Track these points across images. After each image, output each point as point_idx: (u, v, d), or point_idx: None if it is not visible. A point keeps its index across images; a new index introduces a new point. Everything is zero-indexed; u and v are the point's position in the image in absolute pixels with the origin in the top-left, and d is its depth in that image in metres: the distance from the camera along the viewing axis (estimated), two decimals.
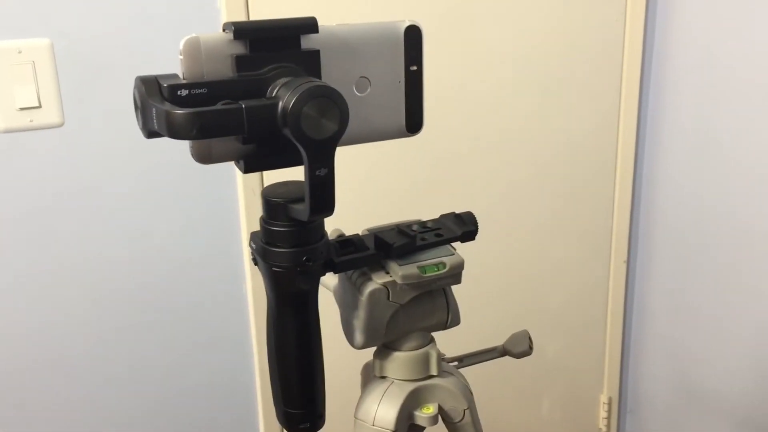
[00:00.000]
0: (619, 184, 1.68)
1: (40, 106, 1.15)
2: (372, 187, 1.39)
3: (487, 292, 1.56)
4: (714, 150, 1.52)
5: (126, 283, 1.29)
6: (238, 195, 1.33)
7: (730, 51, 1.45)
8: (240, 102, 0.49)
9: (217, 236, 1.34)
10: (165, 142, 1.26)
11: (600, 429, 1.87)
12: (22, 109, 1.13)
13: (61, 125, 1.17)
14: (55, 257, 1.23)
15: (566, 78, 1.56)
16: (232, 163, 1.34)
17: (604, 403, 1.84)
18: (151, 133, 0.51)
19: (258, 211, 1.38)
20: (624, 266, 1.74)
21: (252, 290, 1.37)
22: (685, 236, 1.63)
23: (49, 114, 1.16)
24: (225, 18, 1.23)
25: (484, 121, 1.50)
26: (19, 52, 1.12)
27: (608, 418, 1.85)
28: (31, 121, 1.15)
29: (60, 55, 1.14)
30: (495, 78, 1.49)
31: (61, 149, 1.19)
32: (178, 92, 0.50)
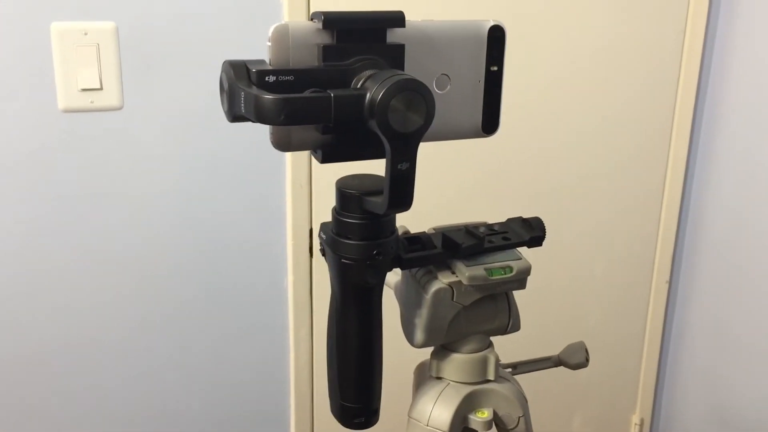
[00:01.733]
0: (667, 203, 1.66)
1: (101, 89, 1.16)
2: (432, 187, 1.39)
3: (525, 304, 1.54)
4: (764, 176, 1.49)
5: (168, 271, 1.30)
6: (286, 189, 1.33)
7: None
8: (328, 91, 0.49)
9: (261, 229, 1.35)
10: (219, 131, 1.27)
11: None
12: (83, 90, 1.15)
13: (120, 108, 1.18)
14: (104, 239, 1.24)
15: (621, 93, 1.54)
16: (282, 158, 1.35)
17: (635, 423, 1.82)
18: (235, 117, 0.52)
19: (305, 205, 1.39)
20: (666, 287, 1.72)
21: (293, 284, 1.38)
22: (730, 261, 1.60)
23: (109, 96, 1.17)
24: (288, 9, 1.23)
25: (535, 133, 1.49)
26: (85, 33, 1.13)
27: None
28: (91, 102, 1.16)
29: (124, 40, 1.16)
30: (552, 91, 1.48)
31: (118, 132, 1.20)
32: (266, 78, 0.50)
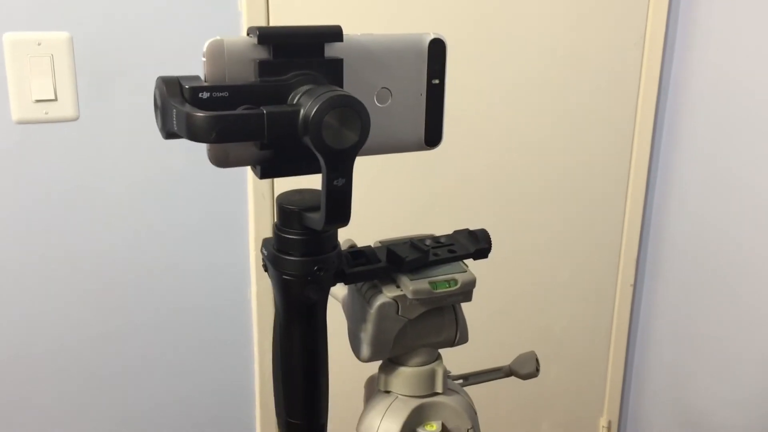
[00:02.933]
0: (630, 207, 1.67)
1: (56, 99, 1.15)
2: (383, 199, 1.39)
3: (489, 311, 1.55)
4: (726, 178, 1.51)
5: (129, 282, 1.28)
6: (248, 199, 1.32)
7: (747, 80, 1.45)
8: (261, 107, 0.49)
9: (224, 240, 1.34)
10: (178, 143, 1.26)
11: None
12: (38, 101, 1.13)
13: (75, 119, 1.17)
14: (59, 252, 1.22)
15: (582, 99, 1.55)
16: (244, 168, 1.34)
17: (603, 426, 1.83)
18: (169, 134, 0.51)
19: (267, 216, 1.38)
20: (630, 290, 1.73)
21: (256, 295, 1.37)
22: (694, 263, 1.62)
23: (64, 107, 1.16)
24: (246, 21, 1.22)
25: (494, 141, 1.50)
26: (39, 44, 1.12)
27: None
28: (46, 113, 1.15)
29: (78, 50, 1.14)
30: (510, 98, 1.48)
31: (74, 144, 1.19)
32: (200, 95, 0.49)
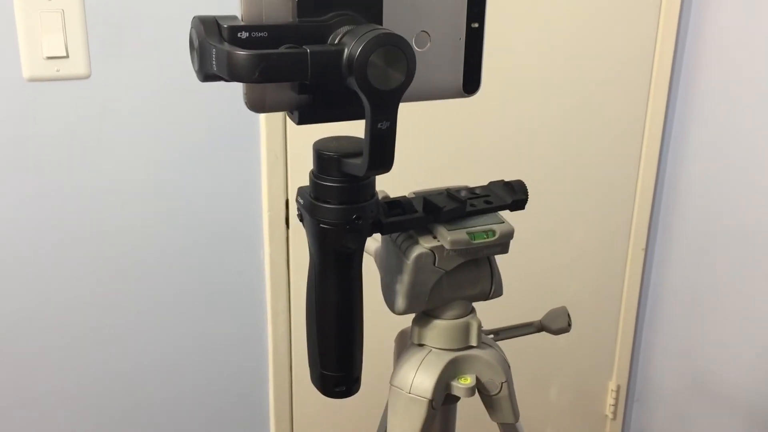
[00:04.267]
0: (642, 171, 1.66)
1: (67, 56, 1.12)
2: (411, 151, 1.37)
3: (502, 271, 1.54)
4: (739, 142, 1.50)
5: (142, 244, 1.27)
6: (261, 160, 1.31)
7: (757, 59, 1.43)
8: (304, 47, 0.47)
9: (237, 200, 1.32)
10: (191, 100, 1.24)
11: (606, 416, 1.86)
12: (49, 58, 1.11)
13: (87, 77, 1.15)
14: (73, 210, 1.21)
15: (601, 62, 1.53)
16: (257, 128, 1.32)
17: (612, 390, 1.83)
18: (207, 76, 0.49)
19: (280, 177, 1.37)
20: (642, 254, 1.73)
21: (269, 256, 1.36)
22: (705, 228, 1.61)
23: (75, 65, 1.13)
24: None
25: (516, 101, 1.48)
26: None
27: (615, 405, 1.84)
28: (57, 71, 1.12)
29: (90, 6, 1.12)
30: (531, 58, 1.46)
31: (86, 101, 1.17)
32: (239, 34, 0.48)
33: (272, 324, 1.40)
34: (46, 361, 1.26)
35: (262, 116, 1.27)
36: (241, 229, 1.34)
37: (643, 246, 1.72)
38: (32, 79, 1.12)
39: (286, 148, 1.31)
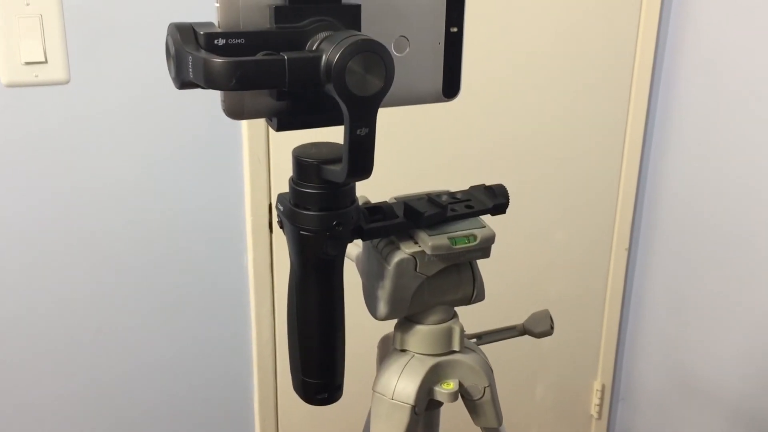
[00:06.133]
0: (625, 171, 1.66)
1: (46, 62, 1.11)
2: (393, 156, 1.37)
3: (483, 273, 1.54)
4: (723, 139, 1.51)
5: (121, 249, 1.26)
6: (244, 164, 1.30)
7: (737, 61, 1.45)
8: (281, 53, 0.47)
9: (220, 206, 1.31)
10: (171, 104, 1.23)
11: (592, 415, 1.86)
12: (27, 63, 1.10)
13: (66, 82, 1.14)
14: (55, 214, 1.20)
15: (580, 61, 1.54)
16: (238, 133, 1.32)
17: (597, 390, 1.84)
18: (183, 84, 0.49)
19: (263, 181, 1.36)
20: (625, 254, 1.73)
21: (253, 261, 1.35)
22: (688, 228, 1.62)
23: (55, 70, 1.12)
24: None
25: (495, 105, 1.48)
26: (27, 4, 1.08)
27: (600, 404, 1.85)
28: (36, 76, 1.11)
29: (68, 10, 1.11)
30: (511, 60, 1.47)
31: (65, 107, 1.15)
32: (215, 41, 0.47)
33: (256, 329, 1.40)
34: (32, 367, 1.25)
35: (244, 121, 1.27)
36: (225, 234, 1.34)
37: (626, 246, 1.73)
38: (11, 85, 1.10)
39: (268, 153, 1.31)
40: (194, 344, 1.37)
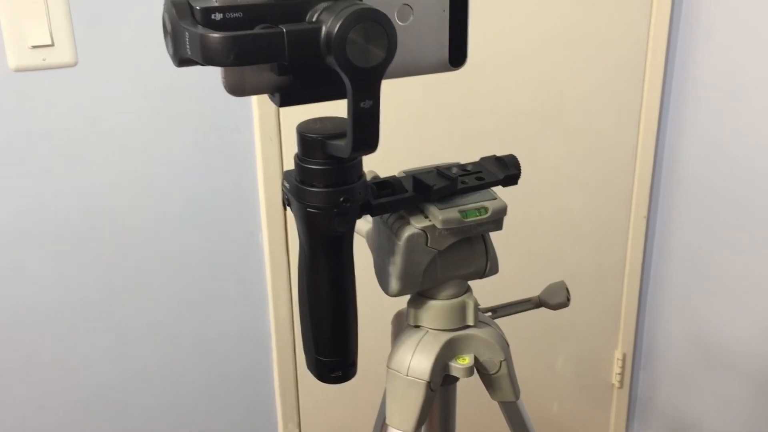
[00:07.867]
0: (642, 138, 1.64)
1: (52, 45, 1.10)
2: (401, 129, 1.35)
3: (501, 244, 1.53)
4: (741, 107, 1.48)
5: (137, 231, 1.26)
6: (255, 143, 1.29)
7: (749, 53, 1.41)
8: (280, 26, 0.46)
9: (232, 184, 1.31)
10: (182, 83, 1.22)
11: (613, 384, 1.86)
12: (34, 47, 1.09)
13: (74, 65, 1.13)
14: (64, 199, 1.20)
15: (595, 25, 1.50)
16: (249, 111, 1.30)
17: (618, 359, 1.83)
18: (182, 61, 0.48)
19: (275, 159, 1.35)
20: (644, 222, 1.71)
21: (268, 239, 1.35)
22: (707, 194, 1.60)
23: (62, 53, 1.11)
24: None
25: (506, 72, 1.46)
26: None
27: (622, 374, 1.84)
28: (43, 59, 1.11)
29: None
30: (521, 25, 1.44)
31: (74, 90, 1.15)
32: (212, 16, 0.46)
33: (273, 307, 1.39)
34: (41, 363, 1.26)
35: (254, 98, 1.26)
36: (238, 213, 1.33)
37: (645, 213, 1.70)
38: (18, 69, 1.10)
39: (279, 130, 1.29)
40: (210, 324, 1.37)
